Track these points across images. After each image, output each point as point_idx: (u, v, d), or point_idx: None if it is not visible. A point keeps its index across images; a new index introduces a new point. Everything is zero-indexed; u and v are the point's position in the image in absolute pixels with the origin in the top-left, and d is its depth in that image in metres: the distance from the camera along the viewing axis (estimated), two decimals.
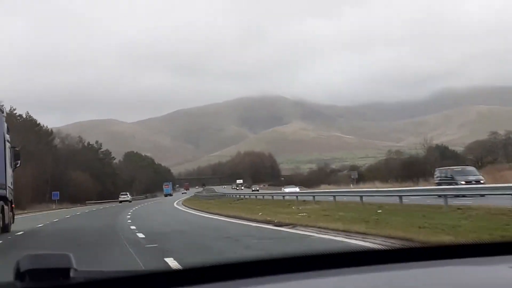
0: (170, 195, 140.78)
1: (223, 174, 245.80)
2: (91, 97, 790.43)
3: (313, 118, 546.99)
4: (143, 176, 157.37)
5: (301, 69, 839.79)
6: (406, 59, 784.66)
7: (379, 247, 1.87)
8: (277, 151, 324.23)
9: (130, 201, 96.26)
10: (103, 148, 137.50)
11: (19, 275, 1.20)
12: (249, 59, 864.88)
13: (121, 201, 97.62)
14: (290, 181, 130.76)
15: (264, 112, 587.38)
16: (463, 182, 35.92)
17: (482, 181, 37.09)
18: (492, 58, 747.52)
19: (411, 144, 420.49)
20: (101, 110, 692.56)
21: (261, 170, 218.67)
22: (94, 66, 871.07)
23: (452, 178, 39.67)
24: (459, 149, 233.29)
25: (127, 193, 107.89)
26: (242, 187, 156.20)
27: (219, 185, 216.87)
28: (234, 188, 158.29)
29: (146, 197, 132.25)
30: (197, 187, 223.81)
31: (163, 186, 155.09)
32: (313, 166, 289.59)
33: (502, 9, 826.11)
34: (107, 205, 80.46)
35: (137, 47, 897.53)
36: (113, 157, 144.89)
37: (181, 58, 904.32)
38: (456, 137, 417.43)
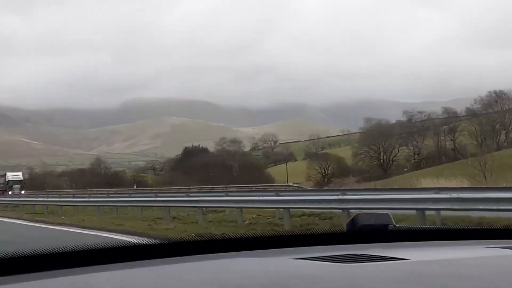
0: None
1: None
2: None
3: None
4: None
5: None
6: (100, 67, 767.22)
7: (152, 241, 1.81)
8: None
9: None
10: None
11: None
12: None
13: None
14: None
15: None
16: None
17: None
18: (182, 73, 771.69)
19: (102, 152, 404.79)
20: None
21: None
22: None
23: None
24: (152, 159, 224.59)
25: None
26: (23, 191, 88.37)
27: None
28: None
29: None
30: None
31: None
32: None
33: (192, 29, 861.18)
34: None
35: None
36: None
37: None
38: (150, 147, 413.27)
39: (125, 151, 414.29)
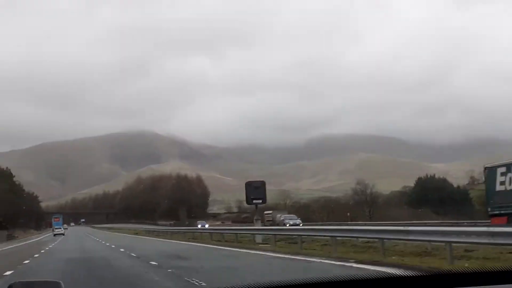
0: (63, 234, 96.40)
1: (111, 209, 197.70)
2: None
3: (192, 157, 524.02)
4: None
5: (180, 108, 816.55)
6: (286, 105, 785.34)
7: (403, 273, 1.79)
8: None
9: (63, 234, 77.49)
10: None
11: None
12: (126, 94, 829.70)
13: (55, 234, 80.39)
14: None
15: (138, 149, 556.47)
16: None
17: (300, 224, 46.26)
18: (368, 108, 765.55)
19: (291, 188, 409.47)
20: None
21: (191, 201, 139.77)
22: None
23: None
24: (339, 194, 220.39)
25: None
26: (299, 222, 71.47)
27: (108, 222, 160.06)
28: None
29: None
30: (71, 224, 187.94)
31: (52, 219, 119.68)
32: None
33: (378, 64, 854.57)
34: None
35: None
36: None
37: (47, 89, 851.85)
38: (337, 184, 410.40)
39: (313, 187, 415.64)
